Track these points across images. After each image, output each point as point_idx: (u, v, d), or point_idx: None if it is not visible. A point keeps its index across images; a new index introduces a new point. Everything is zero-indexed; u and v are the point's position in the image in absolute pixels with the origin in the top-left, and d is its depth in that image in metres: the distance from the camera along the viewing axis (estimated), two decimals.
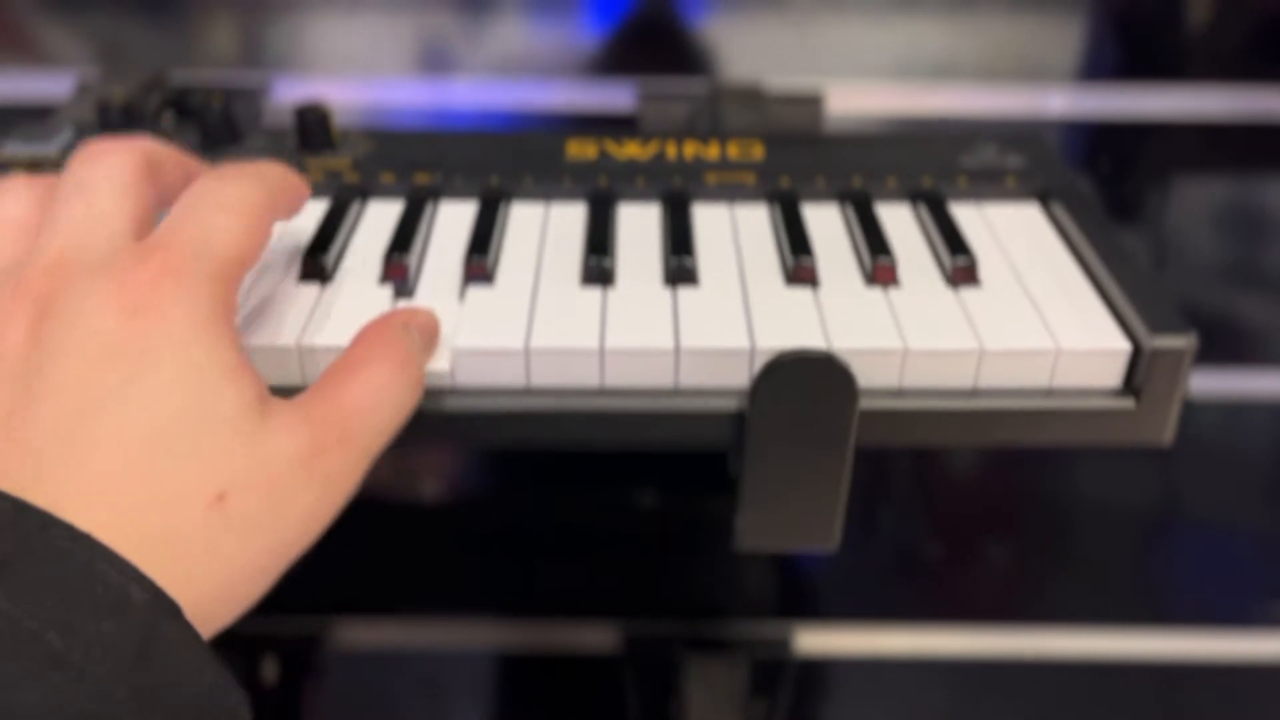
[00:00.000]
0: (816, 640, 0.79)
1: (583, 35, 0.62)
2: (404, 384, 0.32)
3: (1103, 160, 0.66)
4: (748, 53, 0.63)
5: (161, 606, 0.26)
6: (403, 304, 0.38)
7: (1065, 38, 0.63)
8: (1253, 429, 0.74)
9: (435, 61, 0.62)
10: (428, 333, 0.35)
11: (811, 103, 0.64)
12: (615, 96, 0.63)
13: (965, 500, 0.78)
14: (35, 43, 0.61)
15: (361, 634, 0.79)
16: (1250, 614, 0.80)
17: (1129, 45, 0.64)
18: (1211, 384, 0.70)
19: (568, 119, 0.64)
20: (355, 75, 0.62)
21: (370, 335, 0.33)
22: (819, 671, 0.80)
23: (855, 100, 0.64)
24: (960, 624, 0.80)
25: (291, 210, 0.37)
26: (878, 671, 0.81)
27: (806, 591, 0.80)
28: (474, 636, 0.81)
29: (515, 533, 0.77)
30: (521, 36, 0.62)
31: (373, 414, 0.31)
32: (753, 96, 0.61)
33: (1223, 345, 0.69)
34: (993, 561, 0.80)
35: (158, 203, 0.34)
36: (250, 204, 0.33)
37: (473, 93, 0.63)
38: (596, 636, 0.79)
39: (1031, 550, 0.79)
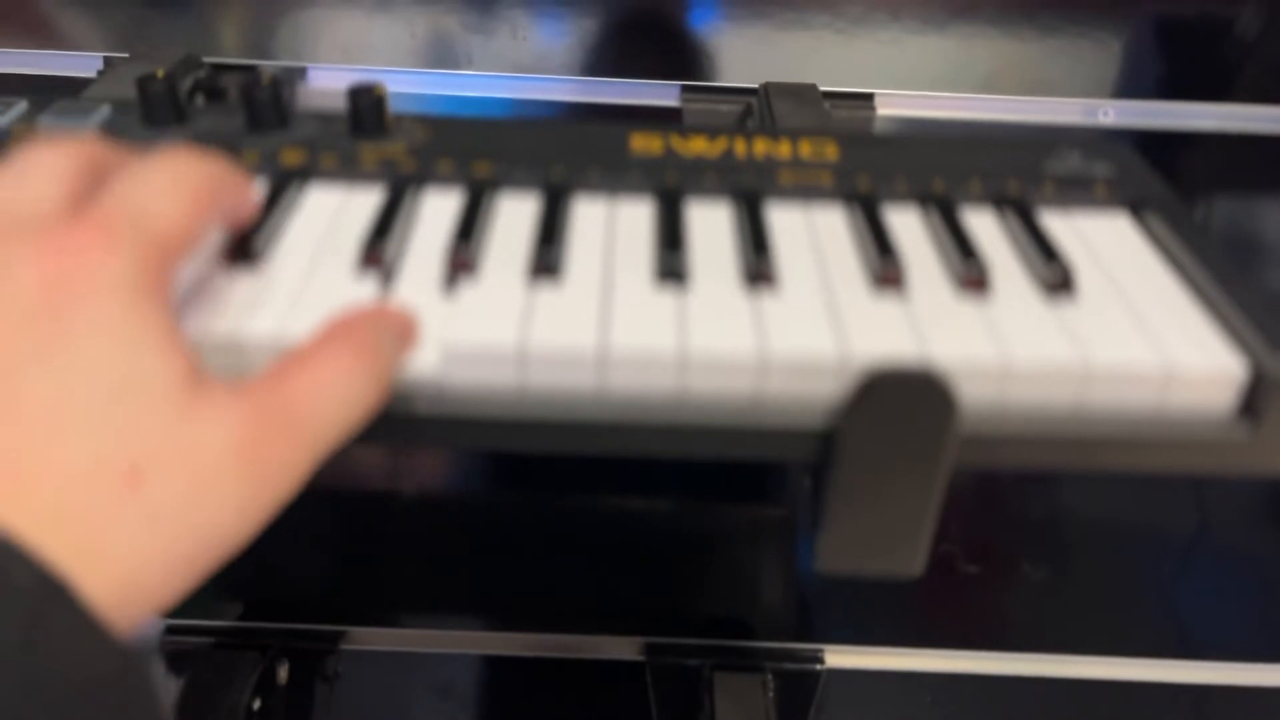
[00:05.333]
0: (846, 657, 0.77)
1: (626, 36, 0.60)
2: (363, 380, 0.30)
3: None
4: (798, 60, 0.61)
5: (49, 589, 0.23)
6: (462, 298, 0.35)
7: (1118, 53, 0.62)
8: None
9: (475, 58, 0.60)
10: (400, 331, 0.33)
11: (864, 106, 0.62)
12: (657, 93, 0.62)
13: (990, 524, 0.76)
14: (55, 23, 0.59)
15: (377, 640, 0.77)
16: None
17: (1180, 62, 0.62)
18: None
19: (608, 113, 0.62)
20: (382, 68, 0.60)
21: (333, 327, 0.31)
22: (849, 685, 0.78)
23: (901, 109, 0.62)
24: (987, 649, 0.78)
25: (235, 211, 0.35)
26: (905, 688, 0.79)
27: (836, 611, 0.78)
28: (490, 647, 0.78)
29: (537, 543, 0.74)
30: (561, 33, 0.60)
31: (323, 407, 0.29)
32: (807, 96, 0.58)
33: None
34: (1021, 587, 0.78)
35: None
36: (196, 184, 0.31)
37: (509, 87, 0.61)
38: (618, 651, 0.77)
39: (1060, 577, 0.77)
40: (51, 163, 0.30)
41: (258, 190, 0.36)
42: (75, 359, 0.26)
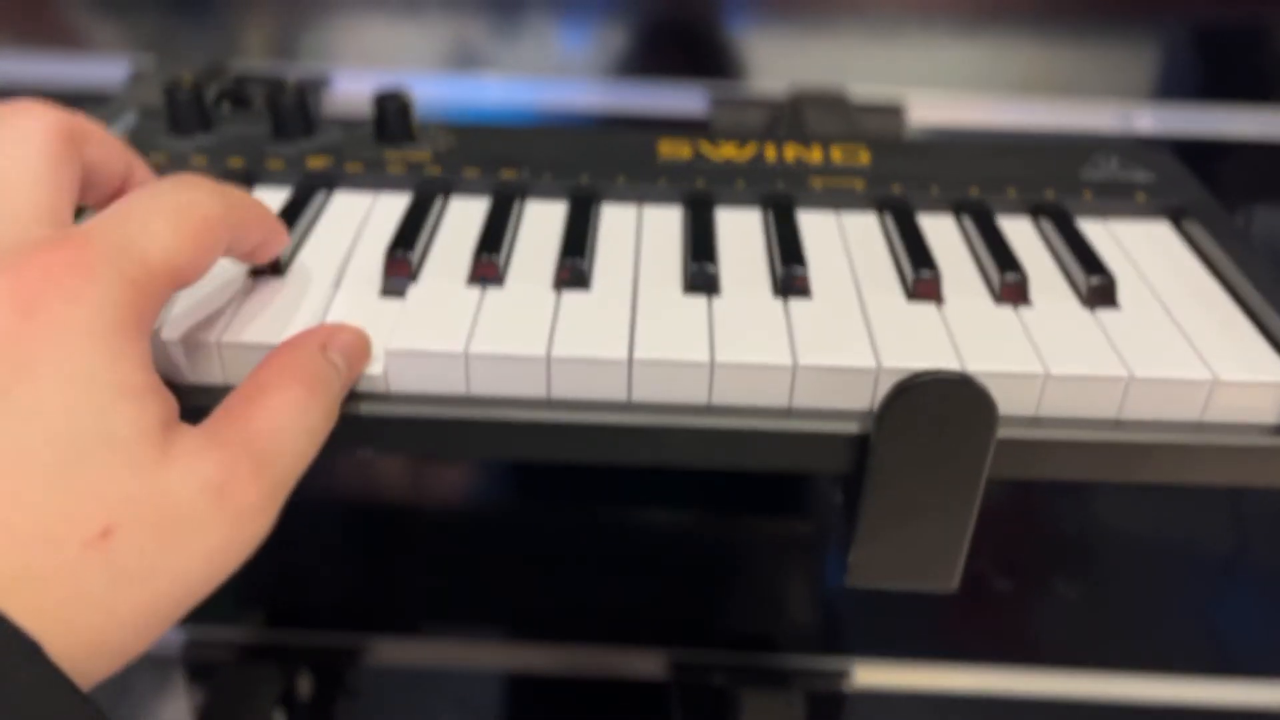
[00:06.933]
0: (876, 674, 0.76)
1: (653, 37, 0.60)
2: (316, 412, 0.29)
3: None
4: (828, 63, 0.61)
5: (16, 648, 0.22)
6: (488, 306, 0.34)
7: (1153, 56, 0.61)
8: None
9: (500, 63, 0.60)
10: (351, 352, 0.32)
11: (894, 112, 0.62)
12: (682, 100, 0.61)
13: (1024, 538, 0.75)
14: (80, 29, 0.59)
15: (400, 653, 0.77)
16: None
17: (1216, 65, 0.61)
18: None
19: (633, 121, 0.61)
20: (407, 70, 0.60)
21: (283, 355, 0.30)
22: (878, 706, 0.77)
23: (935, 113, 0.61)
24: (1020, 665, 0.77)
25: (258, 246, 0.33)
26: (936, 707, 0.78)
27: (865, 623, 0.77)
28: (513, 660, 0.78)
29: (560, 555, 0.74)
30: (587, 38, 0.60)
31: (285, 443, 0.28)
32: (836, 103, 0.58)
33: None
34: (1054, 603, 0.76)
35: (83, 184, 0.31)
36: (200, 215, 0.28)
37: (535, 91, 0.61)
38: (644, 665, 0.76)
39: (1094, 592, 0.76)
40: (21, 152, 0.28)
41: (283, 231, 0.34)
42: (36, 407, 0.24)
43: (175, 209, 0.28)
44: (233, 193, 0.30)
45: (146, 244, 0.27)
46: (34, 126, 0.29)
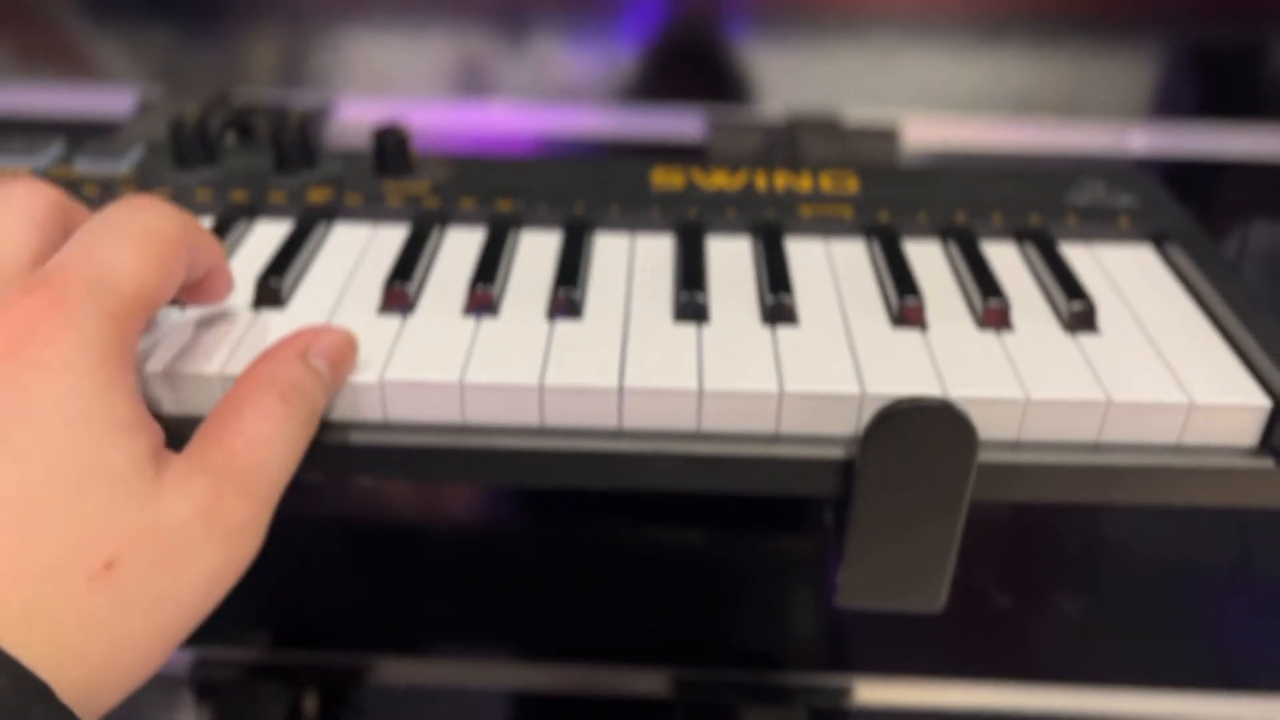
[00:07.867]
0: (878, 691, 0.76)
1: (653, 61, 0.61)
2: (294, 422, 0.30)
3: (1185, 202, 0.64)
4: (826, 83, 0.62)
5: (28, 690, 0.23)
6: (483, 336, 0.35)
7: (1147, 74, 0.61)
8: None
9: (502, 87, 0.61)
10: (335, 354, 0.32)
11: (888, 135, 0.63)
12: (681, 124, 0.62)
13: (1028, 553, 0.75)
14: (86, 58, 0.61)
15: (404, 671, 0.77)
16: None
17: (1212, 83, 0.62)
18: None
19: (630, 148, 0.62)
20: (411, 96, 0.61)
21: (259, 367, 0.31)
22: None
23: (930, 134, 0.62)
24: (1022, 681, 0.77)
25: (208, 275, 0.33)
26: None
27: (867, 640, 0.77)
28: (518, 678, 0.78)
29: (564, 574, 0.75)
30: (588, 62, 0.61)
31: (266, 454, 0.29)
32: (831, 128, 0.59)
33: None
34: (1058, 618, 0.76)
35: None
36: (160, 236, 0.29)
37: (536, 116, 0.62)
38: (647, 683, 0.77)
39: (1097, 607, 0.76)
40: (11, 218, 0.29)
41: (227, 265, 0.35)
42: (37, 444, 0.25)
43: (136, 234, 0.29)
44: (184, 213, 0.31)
45: (117, 275, 0.28)
46: (25, 195, 0.30)
